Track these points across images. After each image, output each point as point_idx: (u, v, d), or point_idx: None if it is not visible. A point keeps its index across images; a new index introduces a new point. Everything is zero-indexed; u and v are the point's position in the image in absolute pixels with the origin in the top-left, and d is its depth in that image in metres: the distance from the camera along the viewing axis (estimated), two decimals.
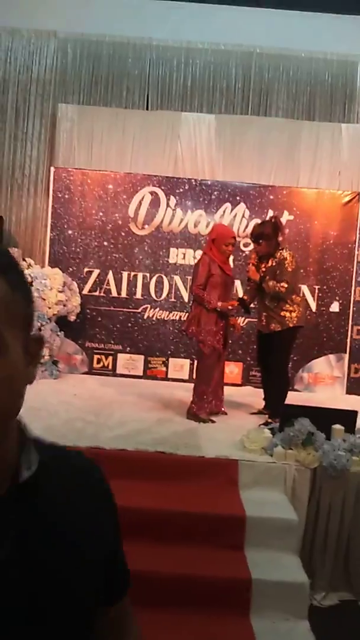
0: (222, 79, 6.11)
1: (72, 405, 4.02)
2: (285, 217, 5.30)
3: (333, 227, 5.34)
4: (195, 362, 4.27)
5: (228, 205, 5.35)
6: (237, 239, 5.25)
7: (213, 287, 3.77)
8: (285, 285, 3.77)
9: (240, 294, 4.83)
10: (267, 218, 4.48)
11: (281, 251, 3.88)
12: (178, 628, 2.19)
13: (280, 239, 3.96)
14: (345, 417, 3.07)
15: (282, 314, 3.83)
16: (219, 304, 3.77)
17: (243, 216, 5.36)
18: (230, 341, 4.10)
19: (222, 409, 4.02)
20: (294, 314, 3.84)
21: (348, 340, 5.33)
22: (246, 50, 6.18)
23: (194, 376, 4.21)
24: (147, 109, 5.74)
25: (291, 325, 3.84)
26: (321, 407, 3.38)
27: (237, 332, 4.30)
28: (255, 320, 4.30)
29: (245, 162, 5.77)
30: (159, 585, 2.35)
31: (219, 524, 2.61)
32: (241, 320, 5.16)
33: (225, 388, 4.13)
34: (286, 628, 2.25)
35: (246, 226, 5.28)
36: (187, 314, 4.72)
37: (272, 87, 6.24)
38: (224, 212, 5.35)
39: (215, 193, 5.38)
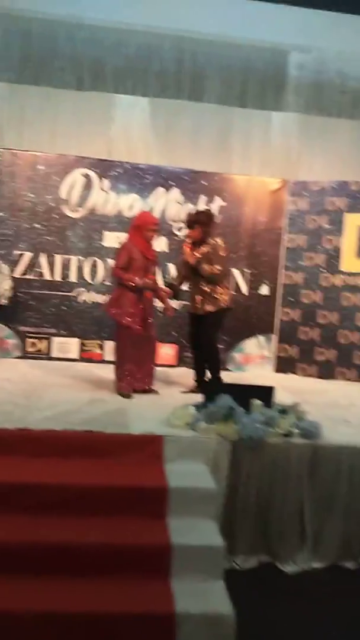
0: (156, 62, 6.12)
1: (3, 389, 4.02)
2: (217, 203, 5.45)
3: (262, 213, 5.54)
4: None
5: (161, 189, 5.42)
6: (171, 223, 5.39)
7: (134, 270, 3.99)
8: (220, 269, 4.04)
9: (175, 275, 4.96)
10: (202, 208, 4.67)
11: (214, 238, 4.14)
12: (101, 593, 2.31)
13: (212, 227, 4.19)
14: (263, 392, 3.27)
15: (216, 296, 4.10)
16: (137, 279, 3.97)
17: (176, 201, 5.45)
18: (150, 320, 4.16)
19: (153, 388, 4.15)
20: (226, 296, 4.16)
21: (276, 321, 5.58)
22: (180, 35, 6.19)
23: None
24: (79, 89, 5.67)
25: (224, 306, 4.14)
26: (241, 384, 3.57)
27: (169, 315, 4.43)
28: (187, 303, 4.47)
29: (179, 147, 5.84)
30: (85, 554, 2.46)
31: (142, 496, 2.74)
32: (175, 303, 5.29)
33: (161, 369, 4.31)
34: (203, 588, 2.42)
35: (179, 211, 5.38)
36: None
37: (205, 73, 6.31)
38: (158, 196, 5.41)
39: (149, 177, 5.42)
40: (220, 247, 4.11)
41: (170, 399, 4.01)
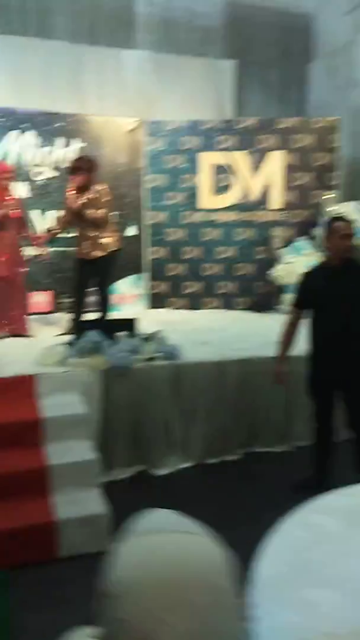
0: None
1: None
2: (76, 145, 5.43)
3: (122, 154, 5.63)
4: None
5: (17, 132, 5.26)
6: (29, 167, 5.31)
7: None
8: (105, 213, 4.18)
9: (38, 223, 4.99)
10: (84, 154, 4.71)
11: (97, 183, 4.22)
12: None
13: (95, 173, 4.27)
14: (127, 324, 3.56)
15: (103, 240, 4.23)
16: None
17: (33, 144, 5.34)
18: (13, 267, 4.24)
19: (27, 333, 4.26)
20: (113, 239, 4.30)
21: (145, 260, 5.85)
22: None
23: None
24: None
25: (112, 249, 4.28)
26: (106, 319, 3.82)
27: (38, 245, 4.45)
28: (62, 249, 4.57)
29: (30, 87, 5.66)
30: None
31: (19, 429, 2.95)
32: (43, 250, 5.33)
33: (38, 316, 4.38)
34: (80, 497, 2.74)
35: (36, 154, 5.30)
36: None
37: (52, 9, 6.06)
38: (12, 140, 5.25)
39: (1, 120, 5.22)
40: (104, 192, 4.21)
41: (44, 342, 4.17)
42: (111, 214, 4.39)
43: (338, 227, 2.88)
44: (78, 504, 2.68)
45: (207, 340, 4.16)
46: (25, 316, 4.29)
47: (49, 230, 4.34)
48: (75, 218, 4.25)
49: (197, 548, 0.61)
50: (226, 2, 6.51)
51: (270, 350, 3.79)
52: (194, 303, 5.79)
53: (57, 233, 4.40)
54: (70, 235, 4.65)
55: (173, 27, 6.46)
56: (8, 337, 4.17)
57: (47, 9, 6.10)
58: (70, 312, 4.52)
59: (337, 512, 1.55)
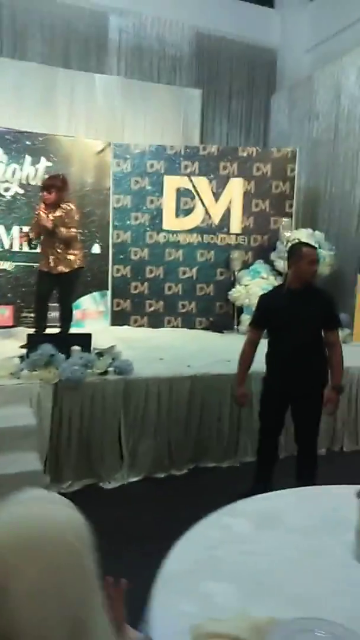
0: None
1: None
2: (43, 164, 5.57)
3: (89, 174, 5.80)
4: None
5: None
6: None
7: None
8: (75, 231, 4.36)
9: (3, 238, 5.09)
10: (56, 173, 4.85)
11: (67, 202, 4.38)
12: None
13: (66, 191, 4.45)
14: (83, 339, 3.66)
15: (70, 257, 4.38)
16: None
17: (2, 160, 5.45)
18: None
19: None
20: (78, 257, 4.45)
21: (109, 278, 5.98)
22: None
23: None
24: None
25: (76, 266, 4.44)
26: (60, 333, 3.91)
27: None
28: (26, 264, 4.68)
29: (2, 105, 5.80)
30: None
31: None
32: (7, 265, 5.43)
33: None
34: None
35: (4, 171, 5.41)
36: None
37: (26, 31, 6.24)
38: None
39: None
40: (73, 211, 4.38)
41: (1, 355, 4.22)
42: (78, 231, 4.53)
43: (307, 252, 2.94)
44: None
45: (163, 357, 4.28)
46: None
47: (27, 236, 4.50)
48: (46, 234, 4.36)
49: (59, 514, 0.74)
50: (195, 33, 6.82)
51: (222, 368, 3.96)
52: (156, 321, 5.93)
53: (33, 239, 4.56)
54: (34, 250, 4.75)
55: (144, 54, 6.72)
56: None
57: (22, 31, 6.28)
58: (32, 326, 4.59)
59: (249, 515, 1.67)
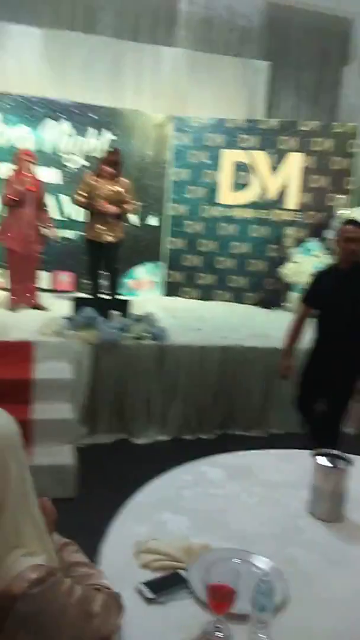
0: None
1: None
2: (107, 136, 5.79)
3: (149, 147, 5.94)
4: None
5: (52, 122, 5.66)
6: (61, 154, 5.71)
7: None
8: (134, 205, 4.73)
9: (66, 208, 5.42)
10: (113, 147, 5.10)
11: (121, 177, 4.66)
12: None
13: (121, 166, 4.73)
14: (122, 305, 3.90)
15: (117, 228, 4.69)
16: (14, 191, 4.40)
17: (67, 133, 5.73)
18: (31, 242, 4.61)
19: (43, 305, 4.66)
20: (121, 228, 4.77)
21: (164, 250, 6.16)
22: None
23: None
24: None
25: (121, 237, 4.76)
26: (104, 298, 4.16)
27: (55, 240, 4.89)
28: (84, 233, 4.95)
29: (72, 79, 6.04)
30: None
31: (13, 387, 3.33)
32: (71, 234, 5.77)
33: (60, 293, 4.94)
34: (55, 450, 3.11)
35: (69, 143, 5.69)
36: None
37: (99, 5, 6.41)
38: (48, 128, 5.66)
39: (40, 109, 5.63)
40: (131, 185, 4.66)
41: (54, 314, 4.56)
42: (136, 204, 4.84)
43: (345, 230, 2.90)
44: (52, 455, 3.05)
45: (202, 328, 4.43)
46: (35, 288, 4.68)
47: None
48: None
49: None
50: (266, 3, 6.65)
51: (256, 341, 4.05)
52: (206, 294, 6.05)
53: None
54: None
55: (213, 25, 6.67)
56: (27, 309, 4.57)
57: (94, 5, 6.46)
58: (89, 293, 4.90)
59: (226, 467, 1.82)
